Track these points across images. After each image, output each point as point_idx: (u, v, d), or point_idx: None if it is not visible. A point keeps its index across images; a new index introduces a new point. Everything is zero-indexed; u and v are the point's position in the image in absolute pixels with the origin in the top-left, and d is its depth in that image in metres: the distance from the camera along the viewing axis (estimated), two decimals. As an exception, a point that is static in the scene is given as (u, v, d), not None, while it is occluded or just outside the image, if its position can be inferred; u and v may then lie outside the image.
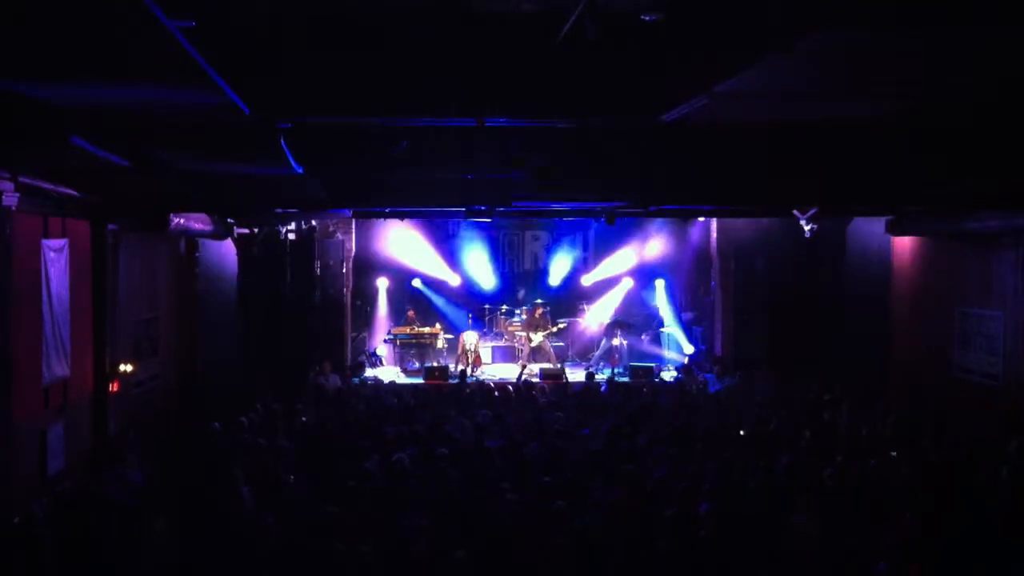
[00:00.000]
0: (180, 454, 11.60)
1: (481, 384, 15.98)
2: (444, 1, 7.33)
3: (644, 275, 20.31)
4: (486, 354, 19.49)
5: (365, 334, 19.88)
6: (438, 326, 19.37)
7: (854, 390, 14.25)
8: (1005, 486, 9.59)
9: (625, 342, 19.28)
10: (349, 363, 18.58)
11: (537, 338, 18.89)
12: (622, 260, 20.36)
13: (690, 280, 20.58)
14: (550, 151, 10.70)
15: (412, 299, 20.12)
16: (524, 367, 18.25)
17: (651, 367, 18.13)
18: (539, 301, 19.48)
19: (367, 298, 20.15)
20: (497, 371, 18.90)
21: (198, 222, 14.08)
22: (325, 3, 7.43)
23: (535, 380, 16.84)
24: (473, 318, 19.93)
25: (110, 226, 12.44)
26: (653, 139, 10.23)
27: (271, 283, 17.24)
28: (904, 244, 16.52)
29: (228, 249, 17.08)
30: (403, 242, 20.12)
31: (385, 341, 19.67)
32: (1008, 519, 8.54)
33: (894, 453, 10.51)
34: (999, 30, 5.66)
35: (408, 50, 7.72)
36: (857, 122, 9.51)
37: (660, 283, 20.10)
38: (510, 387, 15.80)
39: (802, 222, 15.10)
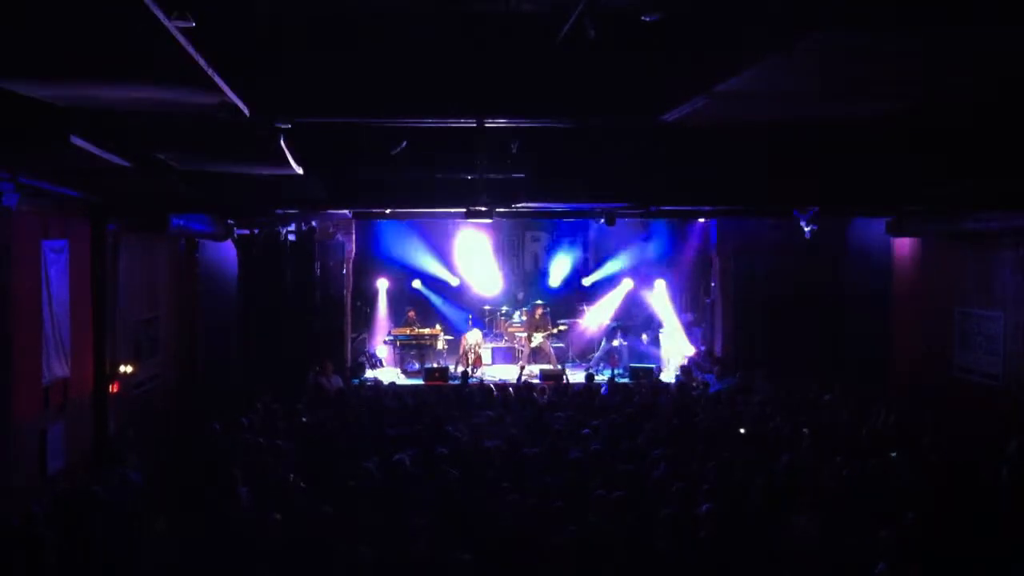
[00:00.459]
0: (180, 454, 11.59)
1: (481, 385, 15.98)
2: (444, 1, 7.35)
3: (644, 276, 20.30)
4: (486, 355, 19.48)
5: (365, 335, 19.88)
6: (438, 327, 19.37)
7: (854, 390, 14.24)
8: (1005, 486, 9.59)
9: (625, 343, 19.28)
10: (349, 364, 18.58)
11: (537, 339, 18.89)
12: (622, 261, 20.36)
13: (690, 280, 20.58)
14: (550, 151, 10.71)
15: (412, 300, 20.12)
16: (523, 368, 18.25)
17: (651, 368, 18.12)
18: (539, 302, 19.48)
19: (367, 299, 20.14)
20: (497, 372, 18.89)
21: (198, 222, 14.09)
22: (325, 3, 7.44)
23: (535, 381, 16.83)
24: (473, 319, 19.93)
25: (110, 226, 12.44)
26: (653, 139, 10.24)
27: (271, 284, 17.24)
28: (904, 244, 16.52)
29: (228, 249, 17.08)
30: (403, 243, 20.12)
31: (385, 342, 19.67)
32: (1008, 519, 8.54)
33: (894, 453, 10.51)
34: (999, 30, 5.67)
35: (408, 50, 7.73)
36: (857, 122, 9.51)
37: (660, 284, 20.10)
38: (510, 388, 15.79)
39: (802, 222, 15.10)
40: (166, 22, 5.03)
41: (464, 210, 13.58)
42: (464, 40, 7.74)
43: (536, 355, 19.11)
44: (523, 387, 15.70)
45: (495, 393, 14.83)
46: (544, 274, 20.86)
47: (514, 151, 10.37)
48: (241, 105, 7.31)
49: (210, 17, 5.83)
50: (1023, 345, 13.01)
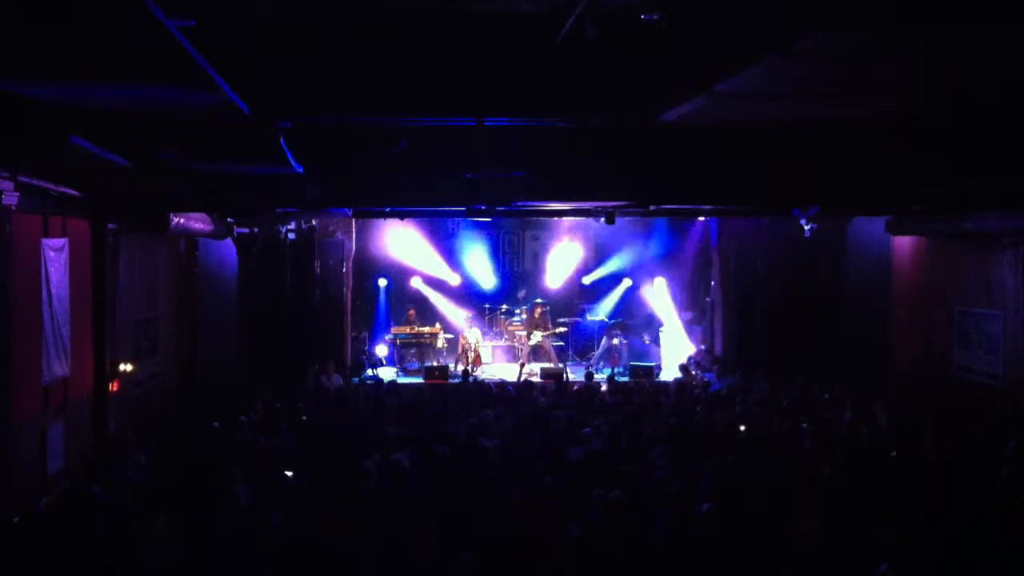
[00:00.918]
0: (180, 454, 11.59)
1: (481, 384, 15.98)
2: (444, 1, 7.34)
3: (644, 275, 20.31)
4: (486, 354, 19.49)
5: (365, 334, 19.88)
6: (438, 326, 19.38)
7: (854, 389, 14.24)
8: (1005, 486, 9.60)
9: (625, 342, 19.28)
10: (349, 363, 18.58)
11: (537, 337, 18.90)
12: (622, 260, 20.36)
13: (690, 280, 20.58)
14: (550, 151, 10.70)
15: (412, 299, 20.13)
16: (523, 366, 18.24)
17: (651, 367, 18.14)
18: (539, 301, 19.49)
19: (367, 298, 20.15)
20: (497, 371, 18.90)
21: (198, 222, 14.08)
22: (325, 3, 7.44)
23: (535, 380, 16.84)
24: (473, 318, 19.94)
25: (110, 225, 12.44)
26: (653, 139, 10.23)
27: (271, 283, 17.24)
28: (904, 244, 16.53)
29: (228, 249, 17.08)
30: (403, 242, 20.12)
31: (385, 341, 19.68)
32: (1008, 519, 8.54)
33: (894, 453, 10.51)
34: (999, 30, 5.67)
35: (408, 50, 7.72)
36: (857, 122, 9.51)
37: (660, 282, 20.10)
38: (510, 387, 15.79)
39: (802, 222, 15.10)
40: (166, 22, 5.03)
41: (464, 209, 13.58)
42: (464, 39, 7.74)
43: (536, 354, 19.12)
44: (523, 386, 15.70)
45: (495, 392, 14.84)
46: (544, 273, 20.86)
47: (514, 150, 10.37)
48: (241, 104, 7.30)
49: (210, 17, 5.83)
50: (1023, 345, 13.01)
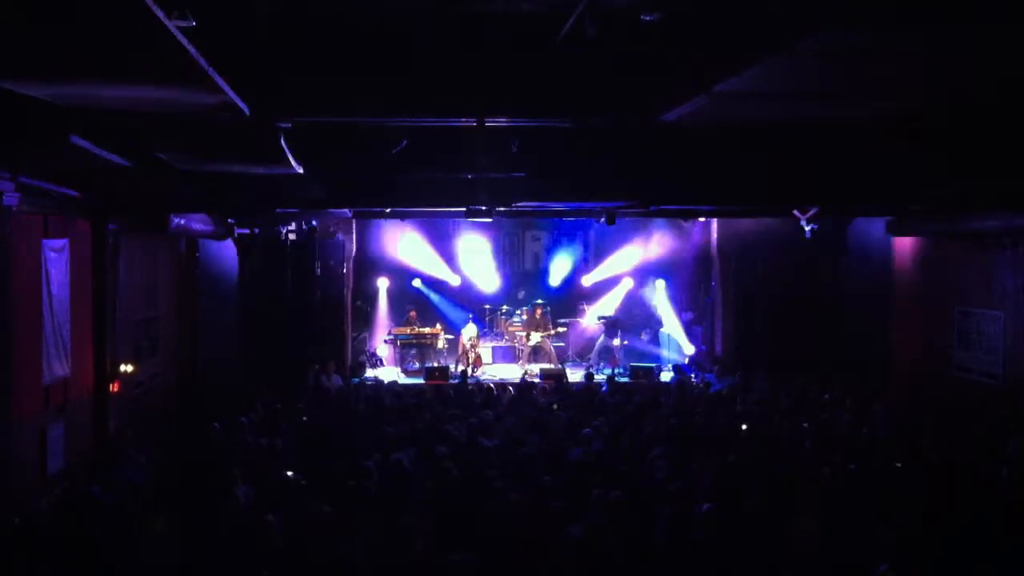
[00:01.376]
0: (180, 454, 11.59)
1: (481, 384, 15.98)
2: (444, 1, 7.34)
3: (644, 275, 20.31)
4: (486, 354, 19.49)
5: (365, 334, 19.89)
6: (438, 326, 19.38)
7: (854, 389, 14.25)
8: (1005, 486, 9.60)
9: (625, 342, 19.29)
10: (349, 363, 18.58)
11: (536, 338, 18.90)
12: (622, 260, 20.36)
13: (690, 280, 20.57)
14: (550, 151, 10.70)
15: (412, 299, 20.13)
16: (524, 367, 18.25)
17: (651, 367, 18.14)
18: (539, 301, 19.50)
19: (367, 298, 20.14)
20: (497, 371, 18.90)
21: (198, 222, 14.08)
22: (325, 3, 7.44)
23: (535, 380, 16.84)
24: (474, 318, 19.93)
25: (110, 226, 12.44)
26: (653, 139, 10.23)
27: (271, 283, 17.24)
28: (904, 244, 16.53)
29: (228, 249, 17.08)
30: (403, 242, 20.13)
31: (385, 341, 19.67)
32: (1008, 519, 8.54)
33: (894, 453, 10.51)
34: (999, 30, 5.67)
35: (408, 50, 7.73)
36: (857, 122, 9.51)
37: (660, 283, 20.11)
38: (510, 387, 15.80)
39: (802, 222, 15.11)
40: (166, 22, 5.03)
41: (464, 209, 13.58)
42: (464, 39, 7.74)
43: (536, 354, 19.12)
44: (523, 386, 15.70)
45: (495, 392, 14.84)
46: (544, 273, 20.86)
47: (514, 150, 10.37)
48: (241, 104, 7.31)
49: (210, 17, 5.83)
50: (1023, 345, 13.01)
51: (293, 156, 9.52)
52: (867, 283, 17.45)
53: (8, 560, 7.74)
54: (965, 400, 13.99)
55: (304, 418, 12.64)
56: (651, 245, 20.32)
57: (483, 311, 20.23)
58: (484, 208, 13.19)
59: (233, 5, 6.87)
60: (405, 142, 10.30)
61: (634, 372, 17.85)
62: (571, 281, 20.74)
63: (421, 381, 17.51)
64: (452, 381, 17.02)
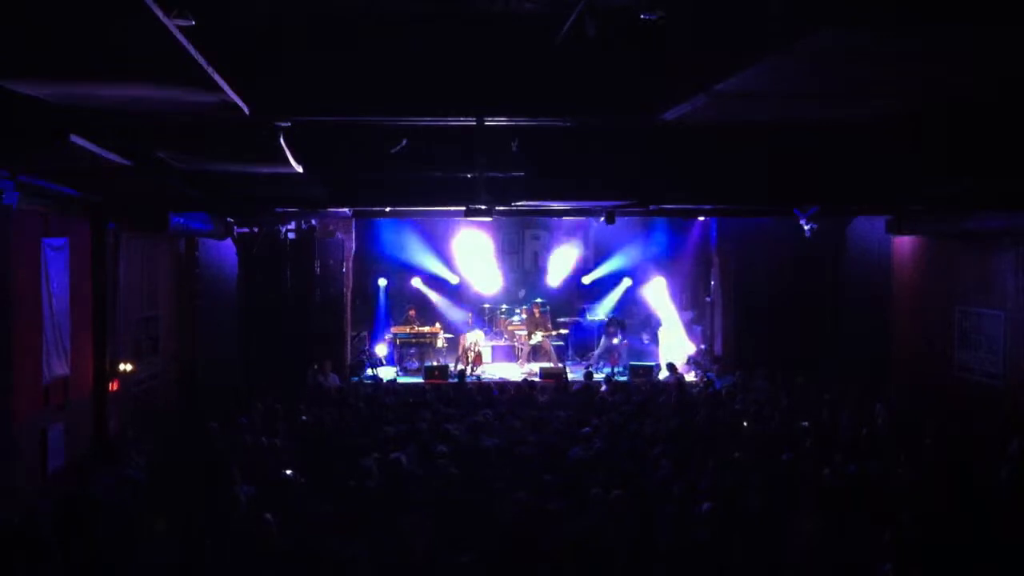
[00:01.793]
0: (180, 454, 11.59)
1: (481, 383, 15.97)
2: (444, 1, 7.35)
3: (644, 274, 20.30)
4: (486, 353, 19.49)
5: (365, 333, 19.88)
6: (438, 325, 19.38)
7: (854, 389, 14.24)
8: (1005, 486, 9.59)
9: (625, 341, 19.29)
10: (349, 362, 18.59)
11: (536, 337, 18.90)
12: (622, 259, 20.36)
13: (690, 279, 20.58)
14: (550, 150, 10.70)
15: (412, 298, 20.13)
16: (523, 366, 18.25)
17: (651, 366, 18.14)
18: (539, 300, 19.50)
19: (367, 297, 20.14)
20: (497, 370, 18.90)
21: (198, 221, 14.08)
22: (325, 3, 7.45)
23: (535, 379, 16.84)
24: (473, 317, 19.95)
25: (110, 225, 12.44)
26: (653, 139, 10.24)
27: (271, 282, 17.24)
28: (904, 243, 16.52)
29: (228, 248, 17.08)
30: (403, 241, 20.12)
31: (385, 340, 19.68)
32: (1008, 519, 8.54)
33: (894, 453, 10.51)
34: (999, 30, 5.66)
35: (408, 49, 7.73)
36: (857, 122, 9.51)
37: (660, 282, 20.10)
38: (510, 386, 15.79)
39: (802, 221, 15.10)
40: (166, 21, 5.03)
41: (464, 208, 13.58)
42: (464, 39, 7.74)
43: (536, 353, 19.12)
44: (523, 385, 15.70)
45: (495, 392, 14.84)
46: (544, 272, 20.86)
47: (514, 150, 10.37)
48: (241, 104, 7.30)
49: (210, 16, 5.83)
50: (1023, 345, 13.01)
51: (293, 156, 9.52)
52: (867, 282, 17.45)
53: (8, 560, 7.74)
54: (965, 400, 13.99)
55: (303, 418, 12.64)
56: (651, 244, 20.32)
57: (483, 310, 20.23)
58: (484, 207, 13.18)
59: (233, 5, 6.87)
60: (405, 141, 10.30)
61: (634, 371, 17.85)
62: (571, 280, 20.74)
63: (420, 380, 17.51)
64: (451, 380, 17.03)
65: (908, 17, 5.30)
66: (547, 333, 19.04)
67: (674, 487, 8.93)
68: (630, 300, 20.42)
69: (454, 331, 19.55)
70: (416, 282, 20.32)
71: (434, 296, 20.39)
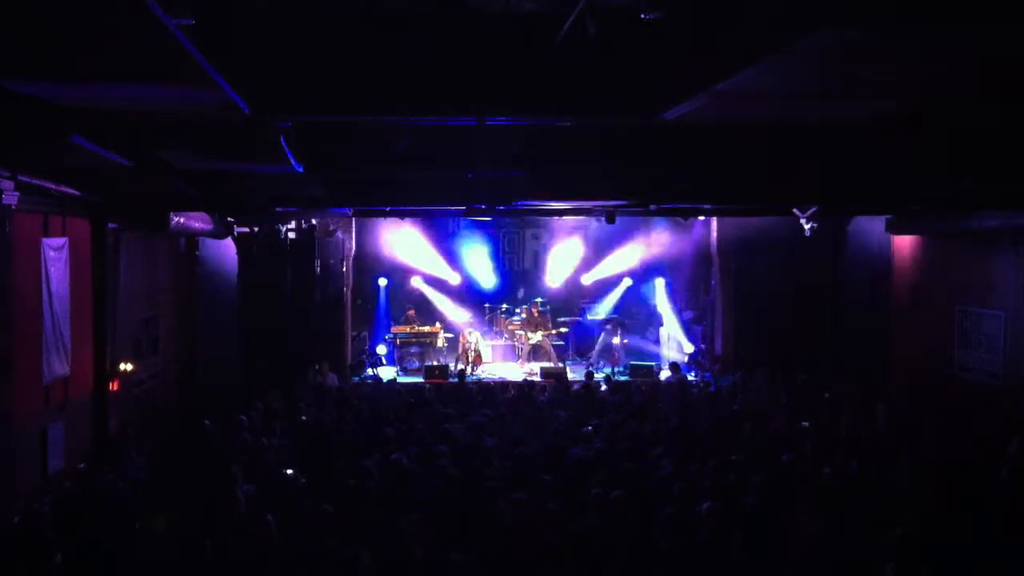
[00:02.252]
0: (180, 453, 11.59)
1: (481, 383, 15.98)
2: (444, 1, 7.35)
3: (644, 274, 20.31)
4: (486, 353, 19.50)
5: (365, 333, 19.89)
6: (438, 325, 19.39)
7: (854, 389, 14.24)
8: (1005, 486, 9.59)
9: (625, 340, 19.29)
10: (349, 362, 18.59)
11: (536, 337, 18.90)
12: (622, 259, 20.36)
13: (690, 279, 20.58)
14: (550, 150, 10.70)
15: (412, 298, 20.14)
16: (523, 366, 18.25)
17: (651, 366, 18.15)
18: (538, 300, 19.51)
19: (367, 297, 20.15)
20: (497, 370, 18.91)
21: (198, 221, 14.08)
22: (325, 2, 7.44)
23: (535, 379, 16.84)
24: (473, 317, 19.95)
25: (110, 225, 12.44)
26: (653, 139, 10.23)
27: (271, 282, 17.23)
28: (904, 242, 16.52)
29: (228, 248, 17.08)
30: (403, 241, 20.13)
31: (385, 340, 19.69)
32: (1008, 519, 8.54)
33: (895, 452, 10.51)
34: (999, 30, 5.66)
35: (408, 48, 7.73)
36: (857, 122, 9.51)
37: (660, 282, 20.11)
38: (510, 386, 15.79)
39: (802, 221, 15.10)
40: (166, 20, 5.03)
41: (464, 208, 13.58)
42: (464, 38, 7.74)
43: (536, 353, 19.12)
44: (523, 385, 15.71)
45: (495, 391, 14.84)
46: (544, 272, 20.88)
47: (514, 150, 10.37)
48: (241, 103, 7.30)
49: (210, 15, 5.83)
50: (1023, 344, 13.00)
51: (293, 155, 9.52)
52: (867, 282, 17.44)
53: (9, 559, 7.75)
54: (966, 400, 13.99)
55: (303, 417, 12.64)
56: (651, 244, 20.32)
57: (483, 310, 20.25)
58: (484, 207, 13.19)
59: (233, 5, 6.87)
60: (405, 141, 10.30)
61: (634, 371, 17.86)
62: (571, 280, 20.75)
63: (421, 380, 17.52)
64: (451, 380, 17.03)
65: (908, 17, 5.30)
66: (547, 333, 19.04)
67: (674, 487, 8.93)
68: (630, 300, 20.42)
69: (454, 331, 19.56)
70: (416, 281, 20.33)
71: (434, 296, 20.40)
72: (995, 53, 6.34)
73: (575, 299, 20.61)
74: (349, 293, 19.22)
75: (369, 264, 20.11)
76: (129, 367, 12.95)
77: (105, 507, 8.89)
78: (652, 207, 14.79)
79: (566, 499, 8.67)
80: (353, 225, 19.13)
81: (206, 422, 11.67)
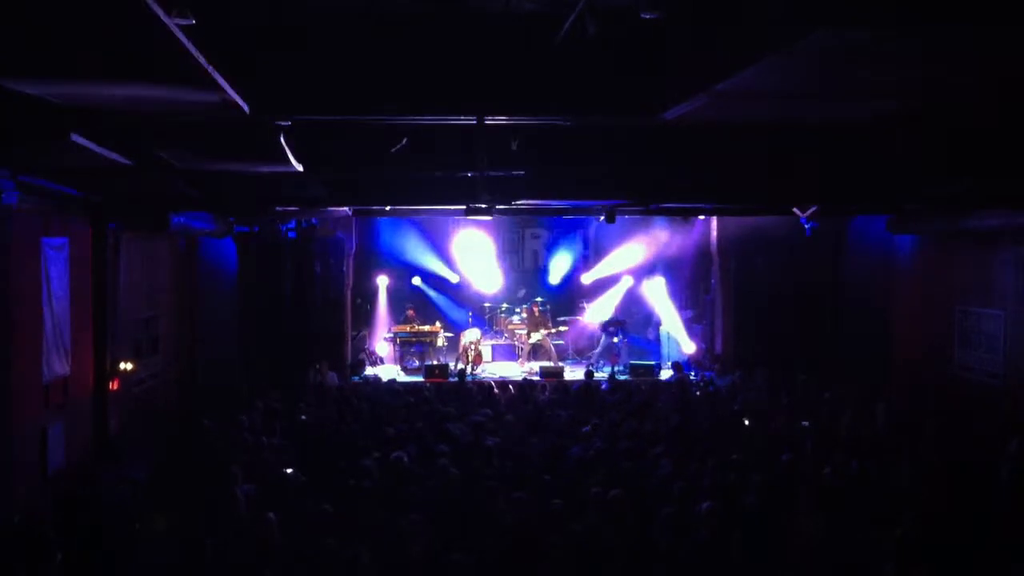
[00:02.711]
0: (180, 453, 11.59)
1: (481, 382, 15.97)
2: (444, 0, 7.35)
3: (644, 273, 20.31)
4: (486, 352, 19.50)
5: (365, 332, 19.89)
6: (438, 324, 19.39)
7: (854, 388, 14.24)
8: (1005, 486, 9.60)
9: (625, 340, 19.29)
10: (349, 361, 18.59)
11: (536, 336, 18.90)
12: (622, 258, 20.35)
13: (690, 278, 20.57)
14: (550, 150, 10.70)
15: (412, 297, 20.15)
16: (524, 365, 18.25)
17: (651, 365, 18.15)
18: (538, 299, 19.51)
19: (367, 296, 20.15)
20: (497, 369, 18.91)
21: (198, 220, 14.08)
22: (325, 2, 7.45)
23: (535, 378, 16.84)
24: (473, 316, 19.96)
25: (110, 224, 12.44)
26: (653, 138, 10.24)
27: (271, 281, 17.24)
28: (904, 243, 16.51)
29: (228, 247, 17.08)
30: (403, 240, 20.13)
31: (385, 339, 19.69)
32: (1008, 519, 8.54)
33: (895, 452, 10.51)
34: (999, 30, 5.66)
35: (408, 48, 7.73)
36: (857, 122, 9.51)
37: (660, 281, 20.11)
38: (511, 385, 15.79)
39: (802, 220, 15.10)
40: (166, 20, 5.04)
41: (464, 207, 13.58)
42: (464, 38, 7.74)
43: (536, 352, 19.13)
44: (523, 384, 15.71)
45: (495, 391, 14.84)
46: (544, 271, 20.89)
47: (514, 148, 10.37)
48: (241, 103, 7.30)
49: (210, 15, 5.83)
50: (1023, 344, 13.00)
51: (293, 154, 9.52)
52: (867, 281, 17.44)
53: (9, 559, 7.75)
54: (966, 400, 13.98)
55: (303, 417, 12.65)
56: (651, 243, 20.31)
57: (483, 309, 20.25)
58: (484, 206, 13.19)
59: (233, 4, 6.87)
60: (405, 140, 10.30)
61: (634, 370, 17.86)
62: (571, 279, 20.77)
63: (421, 379, 17.53)
64: (451, 379, 17.04)
65: (908, 17, 5.30)
66: (547, 332, 19.04)
67: (674, 487, 8.92)
68: (630, 299, 20.41)
69: (454, 330, 19.56)
70: (416, 281, 20.34)
71: (434, 295, 20.40)
72: (995, 53, 6.34)
73: (575, 299, 20.61)
74: (349, 292, 19.22)
75: (369, 263, 20.11)
76: (129, 367, 12.94)
77: (105, 507, 8.89)
78: (652, 206, 14.80)
79: (566, 499, 8.67)
80: (353, 224, 19.13)
81: (206, 422, 11.67)
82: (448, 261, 20.46)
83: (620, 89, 8.21)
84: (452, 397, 14.37)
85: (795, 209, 14.83)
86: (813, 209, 14.78)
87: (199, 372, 16.24)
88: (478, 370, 18.42)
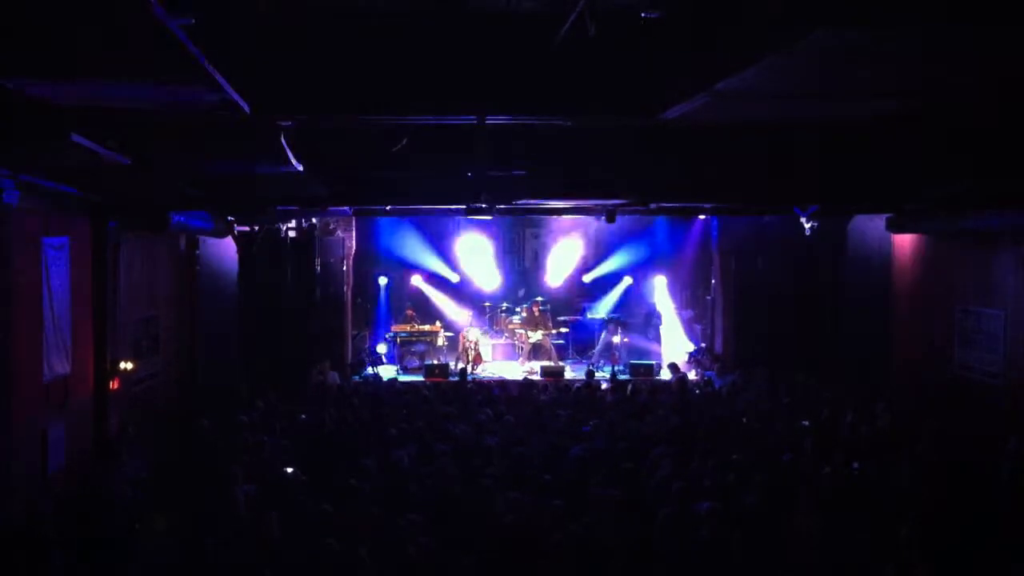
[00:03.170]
0: (180, 453, 11.59)
1: (481, 382, 15.97)
2: (444, 0, 7.35)
3: (644, 273, 20.31)
4: (486, 352, 19.50)
5: (365, 332, 19.89)
6: (438, 324, 19.39)
7: (854, 388, 14.24)
8: (1005, 484, 9.60)
9: (625, 339, 19.30)
10: (349, 361, 18.60)
11: (536, 336, 18.90)
12: (622, 258, 20.36)
13: (691, 278, 20.59)
14: (551, 150, 10.71)
15: (412, 297, 20.16)
16: (524, 365, 18.25)
17: (652, 365, 18.15)
18: (539, 299, 19.51)
19: (367, 296, 20.16)
20: (498, 369, 18.91)
21: (198, 220, 14.08)
22: (325, 2, 7.44)
23: (535, 378, 16.83)
24: (474, 316, 19.96)
25: (110, 224, 12.43)
26: (653, 138, 10.24)
27: (271, 281, 17.24)
28: (905, 241, 16.52)
29: (228, 247, 17.08)
30: (403, 240, 20.14)
31: (385, 339, 19.69)
32: (1008, 518, 8.54)
33: (895, 452, 10.51)
34: (999, 29, 5.66)
35: (408, 48, 7.73)
36: (857, 122, 9.51)
37: (660, 280, 20.11)
38: (511, 385, 15.79)
39: (802, 220, 15.10)
40: (166, 20, 5.03)
41: (464, 207, 13.59)
42: (465, 38, 7.74)
43: (537, 352, 19.13)
44: (523, 384, 15.70)
45: (495, 390, 14.83)
46: (544, 271, 20.89)
47: (515, 149, 10.38)
48: (241, 103, 7.30)
49: (210, 15, 5.83)
50: (1023, 344, 13.00)
51: (293, 154, 9.52)
52: (867, 281, 17.42)
53: (10, 559, 7.75)
54: (966, 398, 13.98)
55: (303, 417, 12.65)
56: (651, 243, 20.31)
57: (483, 309, 20.26)
58: (484, 206, 13.19)
59: (233, 4, 6.87)
60: (406, 140, 10.30)
61: (635, 370, 17.86)
62: (571, 279, 20.77)
63: (421, 379, 17.53)
64: (451, 379, 17.04)
65: (908, 17, 5.30)
66: (547, 331, 19.04)
67: (674, 487, 8.92)
68: (630, 299, 20.42)
69: (455, 330, 19.57)
70: (416, 280, 20.34)
71: (434, 294, 20.41)
72: (995, 53, 6.34)
73: (575, 298, 20.62)
74: (349, 292, 19.22)
75: (369, 263, 20.12)
76: (129, 367, 12.94)
77: (105, 507, 8.89)
78: (652, 206, 14.80)
79: (566, 499, 8.67)
80: (353, 224, 19.13)
81: (206, 422, 11.66)
82: (448, 260, 20.47)
83: (620, 89, 8.20)
84: (452, 397, 14.37)
85: (795, 209, 14.82)
86: (813, 209, 14.78)
87: (199, 372, 16.23)
88: (478, 370, 18.42)
